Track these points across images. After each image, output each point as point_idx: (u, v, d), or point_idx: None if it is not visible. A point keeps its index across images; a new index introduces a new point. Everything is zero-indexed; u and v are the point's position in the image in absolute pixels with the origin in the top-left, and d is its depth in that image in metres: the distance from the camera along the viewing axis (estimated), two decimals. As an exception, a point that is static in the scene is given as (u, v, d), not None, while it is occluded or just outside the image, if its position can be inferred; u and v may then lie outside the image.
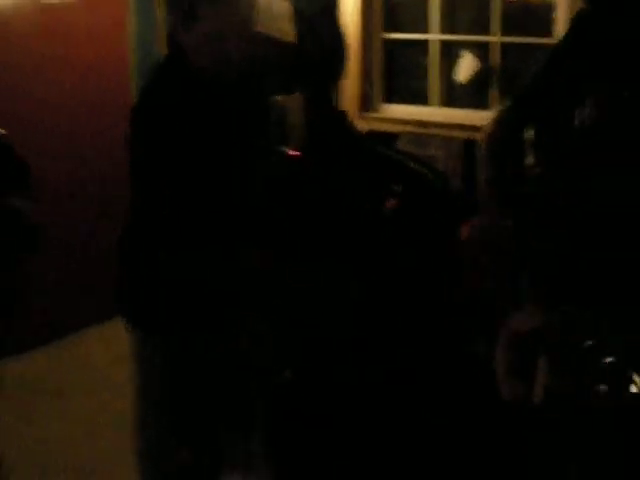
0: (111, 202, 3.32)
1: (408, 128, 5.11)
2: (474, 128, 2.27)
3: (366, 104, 5.61)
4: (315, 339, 3.30)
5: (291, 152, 3.11)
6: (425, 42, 5.32)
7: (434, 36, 5.27)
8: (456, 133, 4.89)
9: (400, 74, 5.64)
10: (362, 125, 5.29)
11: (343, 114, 3.20)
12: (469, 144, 4.24)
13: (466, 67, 5.01)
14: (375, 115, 5.56)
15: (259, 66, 3.02)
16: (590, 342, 1.50)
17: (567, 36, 1.76)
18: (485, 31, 4.96)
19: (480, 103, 5.04)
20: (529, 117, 1.80)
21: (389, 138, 4.85)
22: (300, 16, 2.99)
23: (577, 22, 1.72)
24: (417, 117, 5.20)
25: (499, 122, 1.90)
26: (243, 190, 2.89)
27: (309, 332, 3.29)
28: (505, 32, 4.87)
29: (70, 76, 5.63)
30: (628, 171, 1.47)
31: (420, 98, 5.37)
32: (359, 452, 3.46)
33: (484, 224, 1.78)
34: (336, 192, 2.93)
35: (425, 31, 5.35)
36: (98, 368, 5.07)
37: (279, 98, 3.33)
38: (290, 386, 3.47)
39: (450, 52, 5.24)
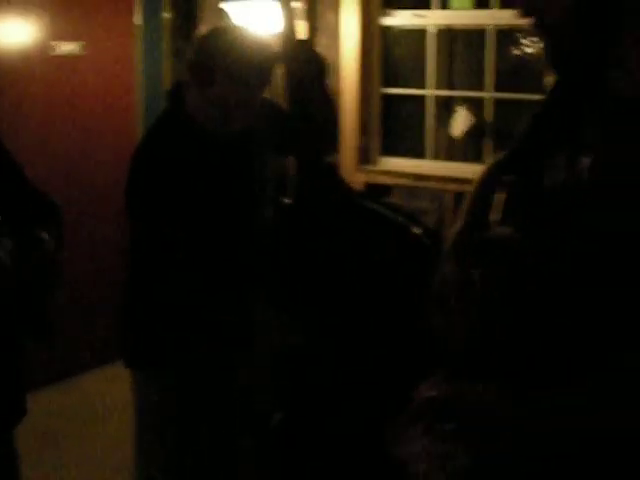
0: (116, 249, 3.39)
1: (403, 181, 5.18)
2: (467, 181, 2.31)
3: (364, 157, 5.66)
4: (304, 383, 3.32)
5: (287, 201, 3.20)
6: (422, 97, 5.39)
7: (430, 92, 5.35)
8: (449, 186, 4.96)
9: (397, 128, 5.68)
10: (360, 177, 5.44)
11: (334, 173, 3.30)
12: (460, 197, 4.33)
13: (461, 122, 5.11)
14: (373, 168, 5.60)
15: (257, 128, 3.11)
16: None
17: (543, 101, 1.85)
18: (481, 87, 5.07)
19: (474, 157, 5.12)
20: (509, 171, 1.88)
21: (384, 190, 4.93)
22: (294, 81, 3.10)
23: (550, 90, 1.81)
24: (413, 170, 5.26)
25: (486, 171, 1.99)
26: (234, 235, 2.97)
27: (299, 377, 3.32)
28: (500, 87, 4.96)
29: (78, 123, 5.73)
30: (591, 235, 1.52)
31: (416, 151, 5.43)
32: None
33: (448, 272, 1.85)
34: (327, 241, 3.02)
35: (422, 87, 5.42)
36: (97, 412, 5.13)
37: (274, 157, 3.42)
38: (281, 425, 3.48)
39: (447, 107, 5.32)
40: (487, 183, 1.89)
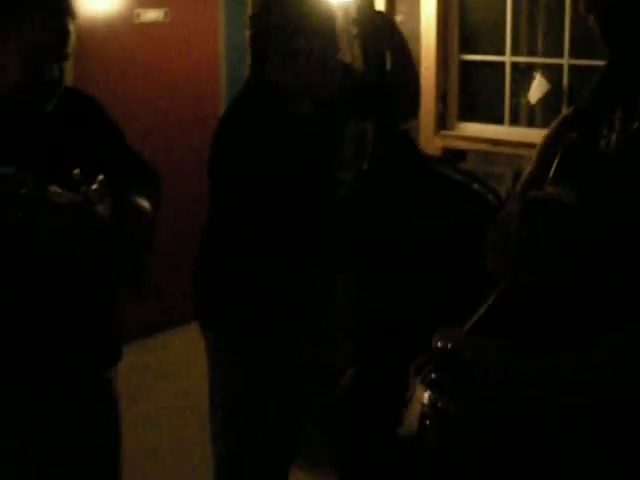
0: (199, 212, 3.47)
1: (481, 146, 5.26)
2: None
3: (442, 122, 5.74)
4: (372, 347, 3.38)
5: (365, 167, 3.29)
6: (500, 64, 5.44)
7: (508, 58, 5.40)
8: (526, 152, 5.02)
9: (475, 94, 5.76)
10: (438, 142, 5.56)
11: (411, 140, 3.27)
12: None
13: (538, 88, 5.16)
14: (451, 133, 5.69)
15: (341, 92, 3.16)
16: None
17: (605, 66, 1.92)
18: (558, 53, 5.11)
19: (550, 123, 5.15)
20: (573, 129, 1.96)
21: (461, 155, 5.00)
22: (370, 50, 3.11)
23: (609, 59, 1.89)
24: (490, 135, 5.33)
25: (554, 126, 2.07)
26: (314, 203, 3.05)
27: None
28: (576, 54, 4.99)
29: (162, 90, 5.86)
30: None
31: (494, 117, 5.50)
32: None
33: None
34: (402, 208, 3.05)
35: (501, 53, 5.48)
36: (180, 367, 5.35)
37: (353, 124, 3.53)
38: (347, 389, 3.52)
39: (525, 73, 5.38)
40: (554, 137, 1.98)
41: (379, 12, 3.23)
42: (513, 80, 5.46)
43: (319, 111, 3.10)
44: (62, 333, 2.68)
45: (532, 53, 5.36)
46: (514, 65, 5.43)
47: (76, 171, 2.42)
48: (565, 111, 2.15)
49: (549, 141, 2.02)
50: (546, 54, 5.25)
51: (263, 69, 3.03)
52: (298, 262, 2.99)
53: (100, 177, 2.45)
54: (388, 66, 3.11)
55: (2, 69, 2.53)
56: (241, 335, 3.15)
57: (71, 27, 2.55)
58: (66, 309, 2.66)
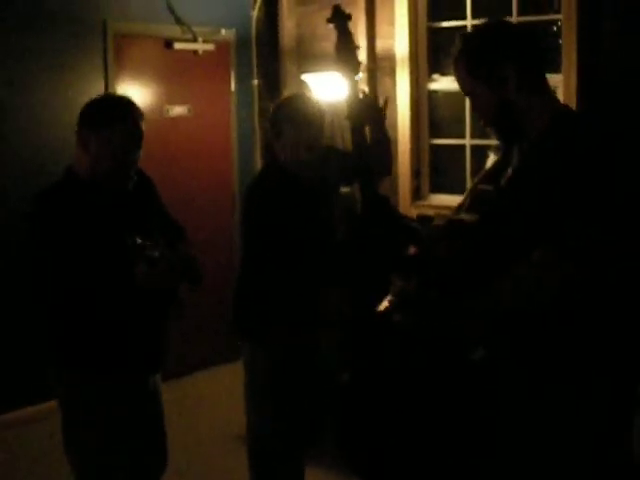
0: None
1: (447, 212, 5.78)
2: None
3: (417, 195, 6.25)
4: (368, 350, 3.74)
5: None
6: (462, 146, 6.01)
7: (468, 141, 5.98)
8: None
9: (443, 171, 6.24)
10: (414, 211, 5.96)
11: (387, 199, 3.78)
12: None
13: (491, 164, 5.88)
14: (424, 203, 6.18)
15: (330, 167, 3.68)
16: None
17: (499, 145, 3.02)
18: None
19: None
20: (484, 182, 3.01)
21: (431, 218, 5.51)
22: (356, 131, 3.57)
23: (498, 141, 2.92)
24: (455, 204, 5.40)
25: (473, 183, 3.07)
26: (322, 241, 3.60)
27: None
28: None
29: (187, 173, 6.39)
30: None
31: (458, 189, 5.86)
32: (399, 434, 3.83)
33: None
34: (381, 245, 3.59)
35: (462, 137, 6.03)
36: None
37: (344, 188, 3.98)
38: (348, 385, 3.89)
39: (481, 153, 5.58)
40: (472, 188, 3.01)
41: (365, 96, 3.68)
42: (472, 158, 5.97)
43: (320, 182, 3.62)
44: (146, 339, 3.30)
45: (486, 136, 5.58)
46: (473, 147, 5.95)
47: (156, 233, 3.04)
48: (479, 175, 3.08)
49: (469, 191, 3.05)
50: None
51: (276, 156, 3.58)
52: (311, 286, 3.46)
53: (160, 236, 3.07)
54: (369, 141, 3.63)
55: (99, 160, 3.16)
56: (269, 342, 3.60)
57: (143, 125, 3.22)
58: (148, 325, 3.29)
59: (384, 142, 3.77)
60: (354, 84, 3.61)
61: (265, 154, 3.81)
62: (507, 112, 2.65)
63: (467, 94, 2.74)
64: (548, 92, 2.71)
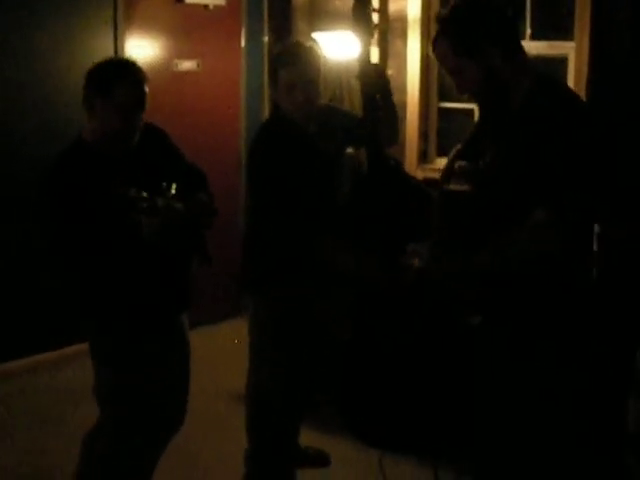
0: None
1: None
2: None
3: (423, 158, 6.35)
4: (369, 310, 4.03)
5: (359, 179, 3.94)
6: (470, 110, 5.96)
7: (476, 106, 5.61)
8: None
9: (450, 134, 6.25)
10: (420, 174, 6.04)
11: (396, 162, 3.97)
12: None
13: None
14: (430, 166, 6.27)
15: (335, 125, 3.74)
16: None
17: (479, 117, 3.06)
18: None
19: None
20: (461, 157, 3.07)
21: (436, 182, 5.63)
22: (366, 93, 3.71)
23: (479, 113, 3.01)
24: None
25: (451, 155, 3.17)
26: (324, 200, 3.69)
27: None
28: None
29: (195, 128, 6.36)
30: None
31: None
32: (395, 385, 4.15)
33: None
34: (389, 204, 3.80)
35: (470, 101, 5.73)
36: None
37: (351, 150, 4.11)
38: (350, 342, 4.22)
39: None
40: (450, 162, 3.06)
41: (375, 65, 3.82)
42: None
43: (322, 131, 3.66)
44: (168, 286, 3.40)
45: None
46: None
47: (163, 184, 3.10)
48: (455, 148, 3.15)
49: (447, 165, 3.08)
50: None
51: (278, 109, 3.68)
52: (315, 237, 3.52)
53: (174, 185, 3.13)
54: (380, 107, 3.72)
55: (104, 123, 3.23)
56: (274, 293, 3.70)
57: (146, 88, 3.30)
58: (167, 271, 3.36)
59: (391, 113, 3.84)
60: (367, 47, 3.71)
61: (271, 109, 3.68)
62: (493, 83, 2.73)
63: (451, 72, 2.82)
64: (526, 58, 2.82)
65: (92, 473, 3.50)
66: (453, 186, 2.90)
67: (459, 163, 2.96)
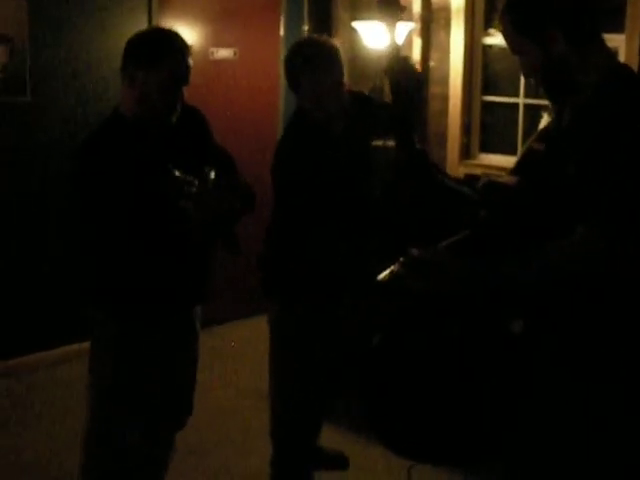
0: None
1: (496, 173, 5.85)
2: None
3: (466, 153, 6.26)
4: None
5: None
6: (515, 104, 5.97)
7: (522, 100, 5.95)
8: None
9: (494, 129, 6.22)
10: (462, 170, 6.01)
11: (424, 153, 3.84)
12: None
13: (544, 125, 5.77)
14: (473, 162, 6.19)
15: (362, 119, 3.63)
16: None
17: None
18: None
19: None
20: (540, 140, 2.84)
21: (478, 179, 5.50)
22: (396, 88, 3.69)
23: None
24: (505, 165, 5.56)
25: (527, 144, 2.94)
26: (351, 203, 3.54)
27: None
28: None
29: (232, 117, 6.29)
30: None
31: (509, 149, 5.93)
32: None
33: None
34: (420, 201, 3.65)
35: (516, 95, 5.99)
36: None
37: (379, 141, 3.99)
38: (377, 349, 3.82)
39: (535, 112, 5.80)
40: (526, 149, 2.86)
41: (405, 58, 3.76)
42: (525, 118, 5.97)
43: (349, 131, 3.54)
44: (186, 274, 3.28)
45: (541, 96, 5.56)
46: (526, 106, 5.96)
47: (205, 168, 3.02)
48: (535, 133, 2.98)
49: (523, 151, 2.89)
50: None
51: (302, 108, 3.56)
52: (342, 242, 3.44)
53: (213, 170, 3.05)
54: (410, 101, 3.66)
55: (146, 97, 3.09)
56: (299, 298, 3.59)
57: (191, 61, 3.15)
58: (188, 258, 3.25)
59: (418, 107, 3.75)
60: (394, 36, 3.67)
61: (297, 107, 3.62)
62: (557, 70, 2.52)
63: (514, 52, 2.61)
64: (603, 47, 2.56)
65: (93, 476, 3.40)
66: (501, 178, 2.67)
67: (532, 145, 2.74)
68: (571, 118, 2.55)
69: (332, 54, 3.43)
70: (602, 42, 2.55)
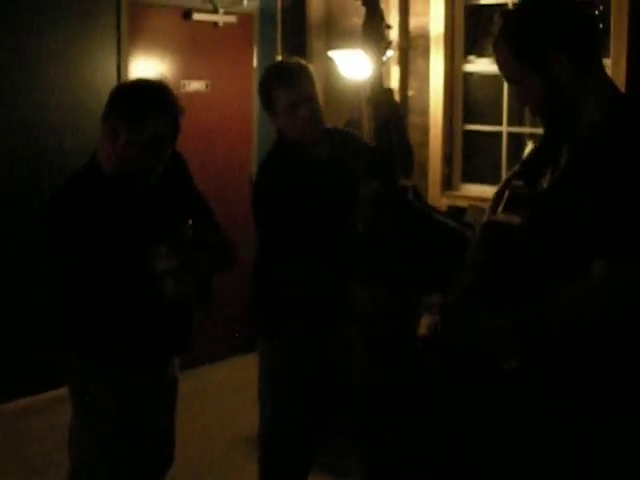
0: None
1: (479, 204, 5.76)
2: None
3: (448, 184, 6.15)
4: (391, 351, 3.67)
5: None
6: (498, 133, 5.87)
7: (505, 128, 5.86)
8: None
9: (476, 159, 6.11)
10: (444, 201, 5.90)
11: (410, 188, 3.65)
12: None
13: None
14: (455, 193, 6.08)
15: (351, 157, 3.57)
16: None
17: (540, 138, 2.68)
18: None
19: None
20: (518, 178, 2.67)
21: (462, 210, 5.38)
22: (378, 125, 3.49)
23: (543, 133, 2.62)
24: (489, 195, 5.52)
25: (505, 178, 2.76)
26: (342, 229, 3.46)
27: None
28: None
29: (204, 150, 6.21)
30: None
31: (492, 179, 5.73)
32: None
33: None
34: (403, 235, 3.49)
35: (498, 123, 5.90)
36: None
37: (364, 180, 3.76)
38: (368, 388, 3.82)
39: (518, 141, 5.77)
40: (504, 184, 2.69)
41: (388, 90, 3.65)
42: (509, 147, 5.86)
43: (335, 155, 3.52)
44: (166, 329, 3.19)
45: (524, 124, 5.79)
46: (510, 134, 5.86)
47: (187, 225, 3.00)
48: (512, 169, 2.80)
49: (500, 187, 2.72)
50: (535, 125, 5.56)
51: (281, 139, 3.52)
52: (324, 269, 3.38)
53: (189, 222, 2.99)
54: (393, 136, 3.50)
55: (127, 156, 2.95)
56: (286, 329, 3.54)
57: (181, 121, 2.98)
58: (165, 315, 3.15)
59: (403, 143, 3.68)
60: (379, 67, 3.55)
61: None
62: (558, 102, 2.39)
63: (511, 82, 2.49)
64: (604, 76, 2.46)
65: None
66: (501, 216, 2.50)
67: (514, 183, 2.57)
68: (575, 154, 2.40)
69: (304, 70, 3.45)
70: (604, 71, 2.46)
